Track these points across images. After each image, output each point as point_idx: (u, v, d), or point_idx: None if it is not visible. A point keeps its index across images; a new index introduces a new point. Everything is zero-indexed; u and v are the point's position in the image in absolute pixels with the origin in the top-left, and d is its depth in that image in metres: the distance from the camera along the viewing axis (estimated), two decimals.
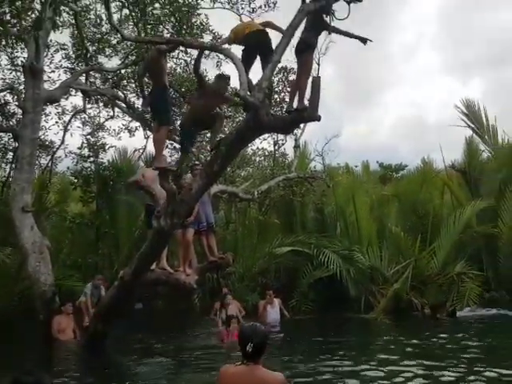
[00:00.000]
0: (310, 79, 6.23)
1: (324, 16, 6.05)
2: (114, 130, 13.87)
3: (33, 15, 9.41)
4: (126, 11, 10.97)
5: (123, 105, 12.73)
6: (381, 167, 22.17)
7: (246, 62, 6.00)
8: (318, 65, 12.95)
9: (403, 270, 11.61)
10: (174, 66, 12.05)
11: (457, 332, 8.90)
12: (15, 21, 8.46)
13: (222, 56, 11.19)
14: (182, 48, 10.79)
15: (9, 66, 12.09)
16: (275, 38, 6.10)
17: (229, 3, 11.36)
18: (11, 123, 12.50)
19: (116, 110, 13.47)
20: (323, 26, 6.07)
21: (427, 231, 12.54)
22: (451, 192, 13.82)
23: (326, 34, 6.29)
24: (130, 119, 13.40)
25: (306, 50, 5.97)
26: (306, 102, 6.13)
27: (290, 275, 12.49)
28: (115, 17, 10.57)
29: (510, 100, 32.13)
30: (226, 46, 6.56)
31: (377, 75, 40.41)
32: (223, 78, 6.77)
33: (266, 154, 13.38)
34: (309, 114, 6.05)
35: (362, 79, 38.69)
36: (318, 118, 6.10)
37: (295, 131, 12.46)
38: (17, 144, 11.22)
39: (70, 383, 6.01)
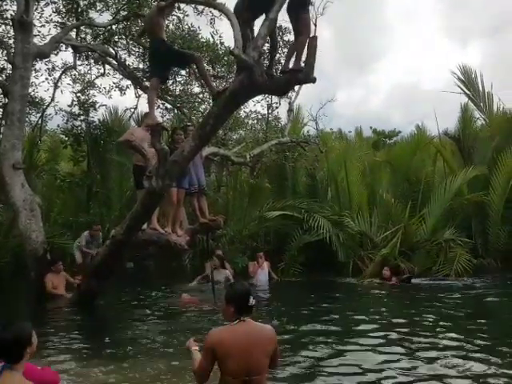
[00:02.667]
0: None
1: None
2: (105, 88, 13.58)
3: None
4: None
5: (114, 62, 12.43)
6: (374, 133, 22.07)
7: (251, 16, 5.72)
8: (315, 25, 12.61)
9: (392, 236, 11.75)
10: (167, 22, 11.68)
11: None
12: None
13: (216, 12, 10.88)
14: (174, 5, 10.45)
15: None
16: None
17: None
18: (0, 78, 12.18)
19: (107, 67, 13.15)
20: None
21: (418, 198, 12.64)
22: (444, 159, 13.80)
23: None
24: (121, 77, 13.10)
25: (302, 8, 5.78)
26: (302, 64, 6.02)
27: (280, 239, 12.64)
28: None
29: (507, 68, 31.73)
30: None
31: (373, 40, 39.78)
32: None
33: (259, 117, 13.21)
34: (304, 75, 5.95)
35: (358, 43, 38.06)
36: (314, 80, 6.01)
37: (289, 94, 12.27)
38: (6, 100, 11.00)
39: (61, 340, 6.13)
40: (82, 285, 8.28)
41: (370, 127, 22.41)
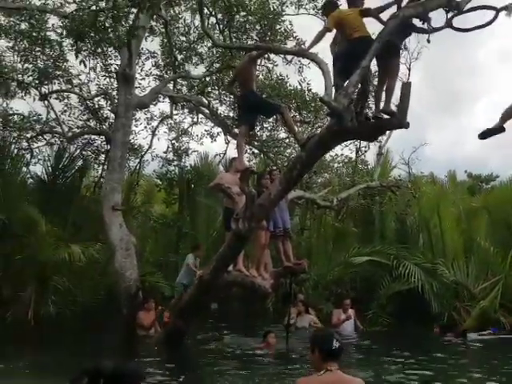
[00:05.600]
0: (399, 84, 6.04)
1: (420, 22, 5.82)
2: (197, 135, 14.39)
3: (127, 24, 10.04)
4: (212, 20, 11.33)
5: (207, 111, 13.15)
6: (469, 177, 20.93)
7: (345, 69, 5.70)
8: (409, 70, 12.51)
9: (492, 287, 10.86)
10: (257, 72, 12.23)
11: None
12: (111, 29, 8.96)
13: (304, 61, 11.20)
14: (265, 55, 10.94)
15: (103, 73, 12.80)
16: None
17: (314, 9, 11.35)
18: (104, 127, 13.30)
19: (200, 115, 13.95)
20: (412, 29, 5.85)
21: None
22: None
23: (418, 38, 6.04)
24: (212, 125, 13.81)
25: (393, 54, 5.78)
26: (393, 107, 5.95)
27: (367, 286, 12.07)
28: None
29: None
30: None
31: (468, 82, 38.04)
32: None
33: (346, 160, 13.12)
34: (397, 120, 5.84)
35: (451, 85, 36.56)
36: (407, 126, 5.86)
37: (380, 138, 12.10)
38: (109, 147, 11.89)
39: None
40: (170, 324, 8.47)
41: (465, 171, 21.33)
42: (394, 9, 5.87)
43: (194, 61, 12.30)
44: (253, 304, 11.99)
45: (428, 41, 5.96)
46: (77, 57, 9.16)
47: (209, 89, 12.70)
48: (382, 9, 5.98)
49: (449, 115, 38.37)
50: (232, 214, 7.07)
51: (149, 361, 7.41)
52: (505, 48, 38.63)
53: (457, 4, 5.73)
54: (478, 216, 13.05)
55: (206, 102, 12.89)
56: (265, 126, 12.95)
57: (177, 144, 14.37)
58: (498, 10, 5.66)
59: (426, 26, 5.82)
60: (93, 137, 13.55)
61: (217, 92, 12.81)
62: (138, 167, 14.58)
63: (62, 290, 10.19)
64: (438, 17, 5.83)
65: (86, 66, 10.63)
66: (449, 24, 5.81)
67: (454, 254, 11.79)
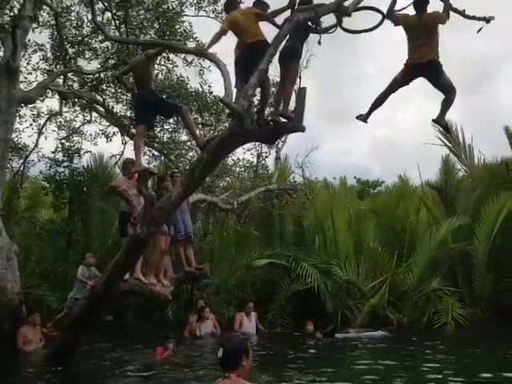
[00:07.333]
0: (295, 89, 6.19)
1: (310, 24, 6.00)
2: (91, 134, 13.55)
3: (11, 13, 9.18)
4: (108, 14, 10.77)
5: (101, 109, 12.44)
6: (358, 183, 22.40)
7: (244, 74, 5.69)
8: (300, 78, 12.98)
9: (380, 285, 11.65)
10: (156, 72, 11.85)
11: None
12: None
13: (204, 64, 11.12)
14: (164, 54, 10.65)
15: None
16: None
17: (213, 12, 11.33)
18: None
19: (94, 114, 13.15)
20: (310, 32, 6.02)
21: (404, 247, 12.61)
22: (427, 209, 13.93)
23: (307, 47, 6.21)
24: (107, 124, 13.10)
25: (292, 58, 5.90)
26: (290, 113, 6.08)
27: (268, 288, 12.30)
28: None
29: (483, 123, 32.70)
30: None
31: (354, 93, 40.87)
32: None
33: (248, 165, 13.28)
34: (294, 124, 5.99)
35: (340, 96, 39.15)
36: (303, 129, 6.05)
37: (278, 142, 12.43)
38: None
39: None
40: (58, 338, 7.83)
41: (354, 177, 22.79)
42: (288, 13, 6.00)
43: (87, 56, 11.61)
44: (151, 313, 11.56)
45: (319, 42, 6.14)
46: None
47: (104, 86, 12.03)
48: (277, 13, 6.07)
49: (339, 124, 40.98)
50: (129, 219, 6.71)
51: (33, 379, 6.83)
52: (387, 61, 42.20)
53: (345, 9, 6.00)
54: (367, 219, 13.99)
55: (101, 99, 12.20)
56: (165, 127, 12.63)
57: (67, 144, 13.41)
58: (384, 16, 5.99)
59: (318, 28, 6.04)
60: None
61: (113, 90, 12.17)
62: (21, 168, 13.41)
63: None
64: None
65: None
66: (339, 24, 6.05)
67: (346, 255, 12.49)
